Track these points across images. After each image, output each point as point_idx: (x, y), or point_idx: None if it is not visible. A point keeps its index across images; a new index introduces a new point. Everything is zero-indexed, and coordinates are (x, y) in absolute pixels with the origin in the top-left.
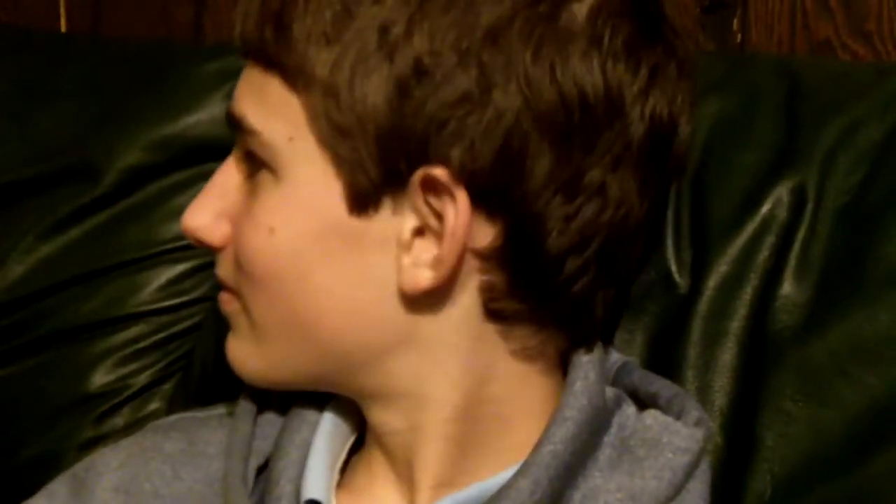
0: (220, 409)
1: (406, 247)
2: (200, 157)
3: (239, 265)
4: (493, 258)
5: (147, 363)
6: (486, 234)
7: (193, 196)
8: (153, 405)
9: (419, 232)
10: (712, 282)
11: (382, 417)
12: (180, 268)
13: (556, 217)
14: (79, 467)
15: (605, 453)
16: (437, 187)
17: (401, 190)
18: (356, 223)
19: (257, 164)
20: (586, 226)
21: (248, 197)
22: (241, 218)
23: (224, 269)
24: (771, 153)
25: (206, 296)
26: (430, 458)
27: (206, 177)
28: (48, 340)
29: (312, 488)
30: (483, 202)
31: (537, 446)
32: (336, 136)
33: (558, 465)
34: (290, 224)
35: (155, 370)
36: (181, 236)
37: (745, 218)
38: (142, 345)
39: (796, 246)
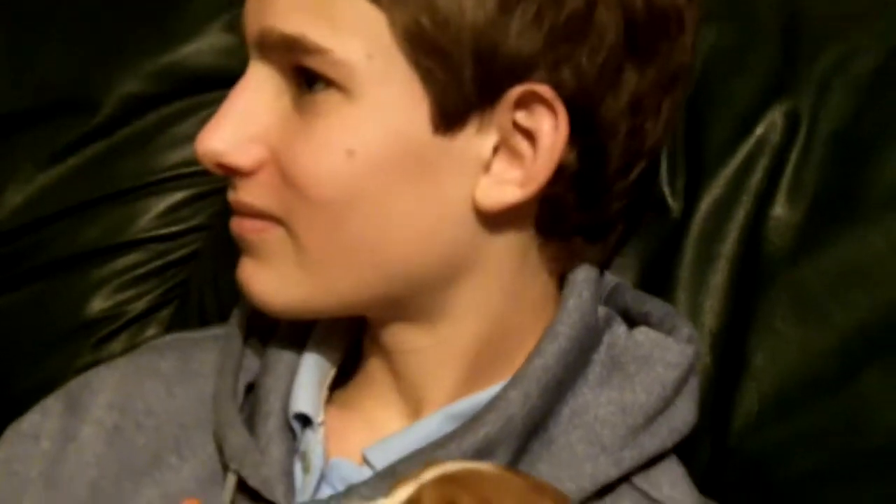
0: (215, 330)
1: (486, 165)
2: (199, 86)
3: (292, 190)
4: (566, 177)
5: (145, 290)
6: (567, 152)
7: (193, 125)
8: (151, 331)
9: (495, 150)
10: (705, 204)
11: (405, 336)
12: (178, 196)
13: (622, 137)
14: (73, 384)
15: (594, 371)
16: (532, 105)
17: (490, 107)
18: (439, 143)
19: (313, 83)
20: (639, 148)
21: (298, 118)
22: (291, 140)
23: (258, 196)
24: (766, 79)
25: (203, 224)
26: (444, 377)
27: (205, 106)
28: (47, 268)
29: (300, 402)
30: (573, 119)
31: (528, 360)
32: (428, 53)
33: (549, 379)
34: (369, 145)
35: (153, 297)
36: (179, 164)
37: (738, 141)
38: (140, 272)
39: (789, 169)
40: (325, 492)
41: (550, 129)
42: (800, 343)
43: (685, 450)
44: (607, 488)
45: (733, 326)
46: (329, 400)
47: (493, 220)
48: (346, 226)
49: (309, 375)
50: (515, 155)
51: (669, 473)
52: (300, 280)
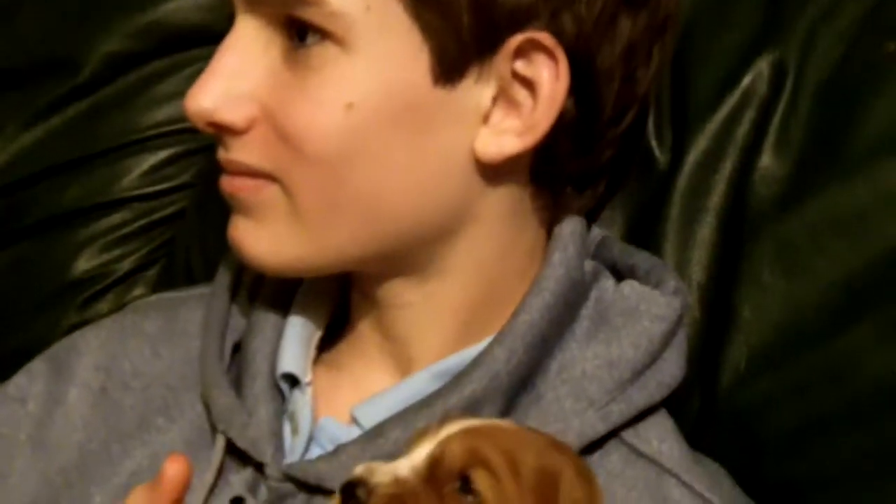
0: (200, 289)
1: (485, 116)
2: (181, 43)
3: (287, 146)
4: (563, 125)
5: (130, 249)
6: (565, 100)
7: (176, 83)
8: (137, 291)
9: (494, 101)
10: (692, 157)
11: (396, 291)
12: (162, 154)
13: (616, 84)
14: (59, 347)
15: (582, 326)
16: (531, 53)
17: (489, 57)
18: (438, 94)
19: (305, 36)
20: (632, 94)
21: (289, 73)
22: (284, 96)
23: (250, 154)
24: (752, 31)
25: (188, 182)
26: (433, 334)
27: (188, 63)
28: (31, 229)
29: (288, 362)
30: (572, 67)
31: (514, 316)
32: (427, 3)
33: (534, 334)
34: (368, 99)
35: (138, 256)
36: (163, 123)
37: (724, 93)
38: (125, 231)
39: (776, 120)
40: (315, 452)
41: (551, 78)
42: (786, 295)
43: (674, 404)
44: (595, 444)
45: (720, 279)
46: (317, 360)
47: (491, 172)
48: (344, 181)
49: (296, 335)
50: (514, 105)
51: (658, 428)
52: (296, 238)
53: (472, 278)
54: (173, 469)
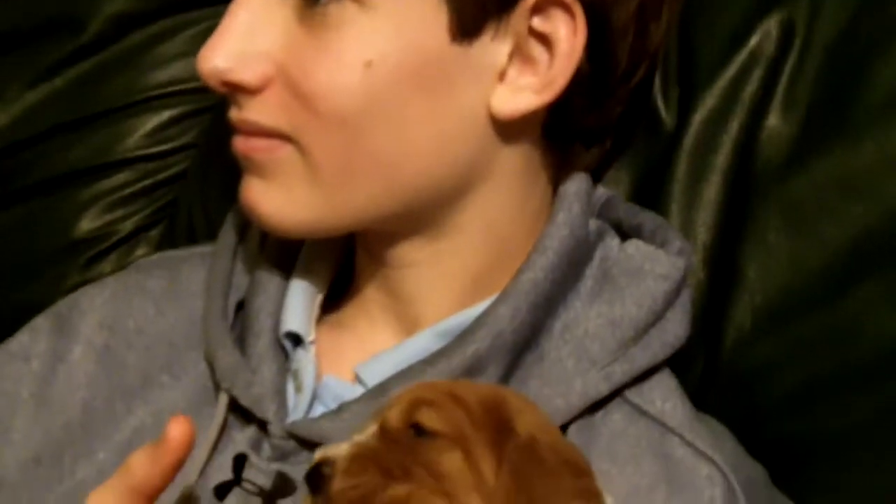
0: (203, 248)
1: (501, 73)
2: (186, 3)
3: (303, 106)
4: (578, 81)
5: (134, 210)
6: (581, 56)
7: (180, 43)
8: (140, 251)
9: (510, 58)
10: (699, 116)
11: (406, 250)
12: (166, 115)
13: (630, 39)
14: (62, 304)
15: (586, 284)
16: (548, 9)
17: (506, 14)
18: (456, 52)
19: None
20: (644, 49)
21: (304, 31)
22: (301, 54)
23: (265, 113)
24: None
25: (192, 143)
26: (439, 294)
27: (192, 24)
28: (34, 189)
29: (291, 321)
30: (589, 23)
31: (518, 275)
32: None
33: (538, 293)
34: (387, 57)
35: (142, 216)
36: (167, 83)
37: (732, 53)
38: (128, 191)
39: (783, 80)
40: (318, 410)
41: (568, 34)
42: (792, 256)
43: (678, 365)
44: (599, 403)
45: (726, 240)
46: (320, 320)
47: (506, 129)
48: (362, 141)
49: (299, 295)
50: (530, 61)
51: (662, 387)
52: (312, 199)
53: (481, 237)
54: (176, 430)
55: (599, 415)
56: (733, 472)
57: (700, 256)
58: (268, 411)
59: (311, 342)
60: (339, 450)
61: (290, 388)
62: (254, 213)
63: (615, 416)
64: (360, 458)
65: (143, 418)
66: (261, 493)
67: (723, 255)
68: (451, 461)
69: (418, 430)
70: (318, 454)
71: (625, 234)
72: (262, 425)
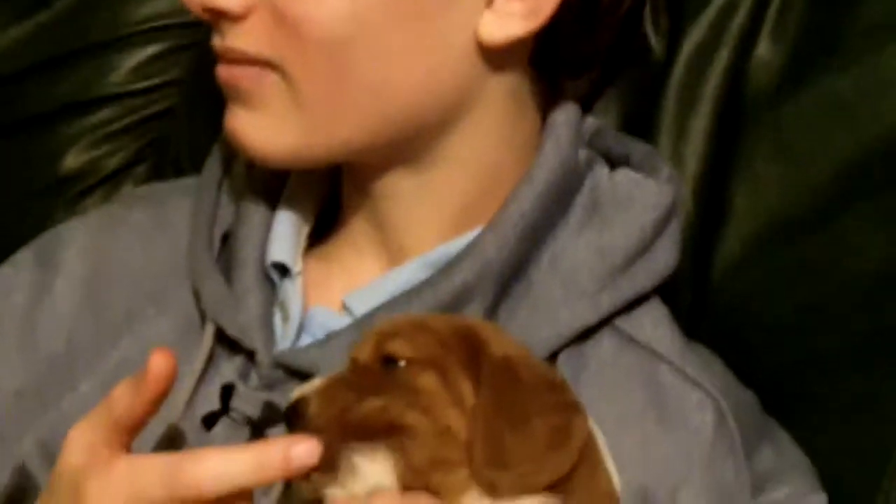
0: (188, 181)
1: (488, 0)
2: None
3: (288, 32)
4: (567, 7)
5: (119, 146)
6: None
7: None
8: (126, 188)
9: None
10: (688, 46)
11: (392, 181)
12: (151, 50)
13: None
14: (44, 238)
15: (576, 214)
16: None
17: None
18: None
19: None
20: None
21: None
22: None
23: (249, 41)
24: None
25: (177, 79)
26: (427, 224)
27: None
28: (18, 125)
29: (278, 251)
30: None
31: (505, 205)
32: None
33: (526, 223)
34: None
35: (127, 153)
36: (152, 17)
37: None
38: (113, 127)
39: (772, 8)
40: (305, 340)
41: None
42: (781, 184)
43: (667, 296)
44: (588, 332)
45: (715, 170)
46: (307, 253)
47: (494, 57)
48: (348, 68)
49: (285, 225)
50: None
51: (652, 315)
52: (297, 127)
53: (469, 168)
54: (158, 363)
55: (589, 344)
56: (723, 397)
57: (689, 187)
58: (255, 341)
59: (298, 273)
60: (311, 385)
61: (277, 318)
62: (239, 143)
63: (604, 344)
64: (335, 384)
65: (128, 351)
66: (249, 422)
67: (712, 185)
68: (426, 380)
69: (389, 362)
70: (295, 394)
71: (613, 164)
72: (250, 355)
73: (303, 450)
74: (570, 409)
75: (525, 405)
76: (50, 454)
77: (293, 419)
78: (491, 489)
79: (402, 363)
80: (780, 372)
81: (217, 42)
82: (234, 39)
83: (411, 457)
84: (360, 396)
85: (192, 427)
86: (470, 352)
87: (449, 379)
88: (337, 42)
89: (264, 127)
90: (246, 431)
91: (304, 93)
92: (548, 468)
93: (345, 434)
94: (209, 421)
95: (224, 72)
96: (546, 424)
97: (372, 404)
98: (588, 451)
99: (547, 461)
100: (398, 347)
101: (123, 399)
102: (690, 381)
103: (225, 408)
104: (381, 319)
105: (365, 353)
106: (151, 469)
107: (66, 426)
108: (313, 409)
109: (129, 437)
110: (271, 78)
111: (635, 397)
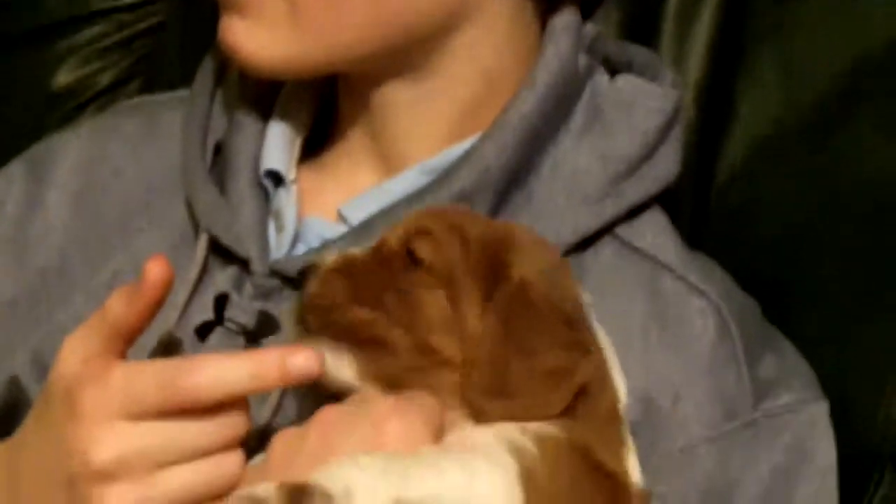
0: (181, 93)
1: None
2: None
3: None
4: None
5: (111, 62)
6: None
7: None
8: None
9: None
10: None
11: (391, 90)
12: None
13: None
14: (36, 149)
15: (576, 121)
16: None
17: None
18: None
19: None
20: None
21: None
22: None
23: None
24: None
25: None
26: (425, 133)
27: None
28: (9, 42)
29: (271, 160)
30: None
31: (505, 110)
32: None
33: (526, 128)
34: None
35: (119, 69)
36: None
37: None
38: (105, 43)
39: None
40: (300, 250)
41: None
42: (786, 90)
43: (668, 205)
44: (589, 240)
45: (719, 76)
46: (301, 163)
47: None
48: None
49: (279, 135)
50: None
51: (653, 223)
52: (295, 36)
53: (468, 75)
54: (154, 270)
55: (589, 252)
56: (725, 304)
57: (691, 95)
58: (249, 249)
59: (293, 182)
60: (330, 255)
61: (272, 228)
62: (234, 53)
63: (605, 252)
64: (340, 269)
65: (121, 263)
66: (244, 332)
67: (715, 93)
68: (432, 302)
69: (411, 258)
70: (315, 257)
71: (615, 71)
72: (244, 265)
73: (301, 359)
74: (579, 348)
75: (532, 338)
76: (43, 367)
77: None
78: (479, 415)
79: (421, 266)
80: (781, 280)
81: None
82: None
83: (382, 369)
84: (358, 295)
85: (186, 338)
86: (490, 272)
87: (457, 302)
88: None
89: (260, 37)
90: (240, 341)
91: (299, 1)
92: (539, 407)
93: (324, 327)
94: (203, 331)
95: None
96: (549, 361)
97: (359, 316)
98: (594, 379)
99: (540, 400)
100: (423, 249)
101: (119, 307)
102: (692, 289)
103: (219, 318)
104: (378, 228)
105: (394, 240)
106: (147, 376)
107: (59, 339)
108: (310, 288)
109: (124, 345)
110: None
111: (636, 306)
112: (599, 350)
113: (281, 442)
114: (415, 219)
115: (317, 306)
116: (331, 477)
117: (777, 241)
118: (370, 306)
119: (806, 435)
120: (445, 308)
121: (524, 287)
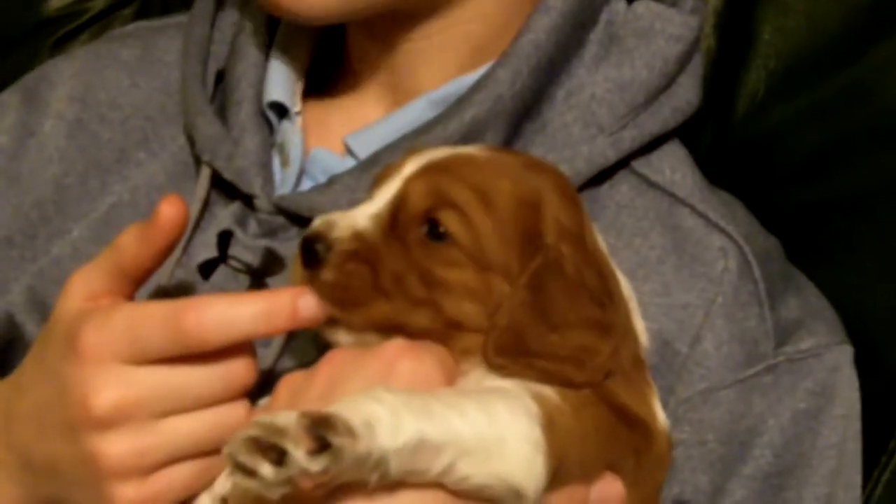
0: (179, 18)
1: None
2: None
3: None
4: None
5: None
6: None
7: None
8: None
9: None
10: None
11: (417, 26)
12: None
13: None
14: (30, 78)
15: (591, 50)
16: None
17: None
18: None
19: None
20: None
21: None
22: None
23: None
24: None
25: None
26: (436, 65)
27: None
28: None
29: (275, 90)
30: None
31: (518, 36)
32: None
33: (540, 55)
34: None
35: None
36: None
37: None
38: None
39: None
40: (306, 185)
41: None
42: (809, 16)
43: (687, 137)
44: (605, 174)
45: (738, 2)
46: (305, 97)
47: None
48: None
49: (282, 64)
50: None
51: (671, 157)
52: None
53: (487, 5)
54: (168, 210)
55: (605, 186)
56: (747, 243)
57: (711, 22)
58: (253, 184)
59: (297, 113)
60: (341, 229)
61: (276, 162)
62: (283, 5)
63: (622, 187)
64: (358, 254)
65: (119, 194)
66: (248, 270)
67: (735, 19)
68: (457, 277)
69: (433, 228)
70: (319, 222)
71: None
72: (248, 200)
73: (311, 302)
74: (604, 329)
75: (561, 311)
76: (39, 302)
77: (308, 257)
78: (498, 370)
79: (446, 239)
80: (804, 214)
81: None
82: None
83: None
84: (373, 289)
85: (188, 276)
86: (524, 239)
87: (487, 275)
88: None
89: None
90: (245, 280)
91: None
92: (558, 379)
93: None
94: (206, 269)
95: None
96: (574, 339)
97: (379, 310)
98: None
99: (561, 373)
100: (451, 223)
101: (131, 245)
102: (713, 226)
103: (223, 255)
104: (386, 160)
105: (415, 205)
106: (153, 317)
107: (56, 272)
108: (326, 275)
109: (133, 286)
110: None
111: (654, 243)
112: (623, 301)
113: (286, 384)
114: (440, 179)
115: (334, 298)
116: (351, 408)
117: (799, 173)
118: (390, 293)
119: (829, 380)
120: (473, 281)
121: (559, 259)
